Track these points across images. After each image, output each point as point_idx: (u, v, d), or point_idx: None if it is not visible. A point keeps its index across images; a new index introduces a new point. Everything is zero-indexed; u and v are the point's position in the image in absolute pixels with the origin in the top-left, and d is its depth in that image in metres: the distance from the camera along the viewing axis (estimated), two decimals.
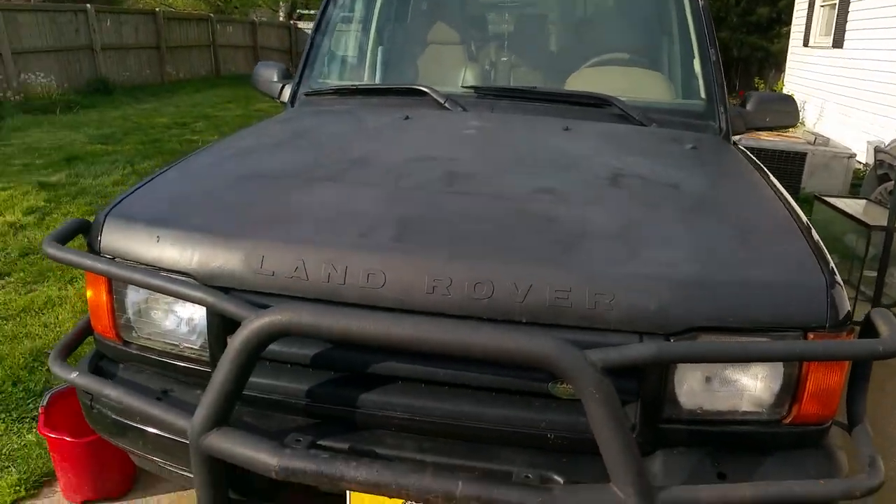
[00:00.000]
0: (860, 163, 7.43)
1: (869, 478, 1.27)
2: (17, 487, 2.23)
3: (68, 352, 1.62)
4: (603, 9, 3.18)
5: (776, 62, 14.29)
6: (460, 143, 2.03)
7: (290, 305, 1.26)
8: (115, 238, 1.51)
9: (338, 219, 1.50)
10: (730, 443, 1.38)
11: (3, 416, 2.58)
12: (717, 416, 1.36)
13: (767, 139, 6.73)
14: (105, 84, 12.39)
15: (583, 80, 2.55)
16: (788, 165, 6.56)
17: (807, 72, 10.85)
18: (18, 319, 3.39)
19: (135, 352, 1.56)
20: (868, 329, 1.34)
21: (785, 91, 10.62)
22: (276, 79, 2.73)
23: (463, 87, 2.56)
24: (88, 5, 12.30)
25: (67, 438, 2.11)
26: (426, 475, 1.21)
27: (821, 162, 6.58)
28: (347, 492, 1.37)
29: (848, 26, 9.11)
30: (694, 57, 2.52)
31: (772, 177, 2.00)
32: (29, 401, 2.69)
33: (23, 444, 2.43)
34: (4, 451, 2.39)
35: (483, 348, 1.16)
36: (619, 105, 2.30)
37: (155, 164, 6.78)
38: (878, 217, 3.91)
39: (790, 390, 1.35)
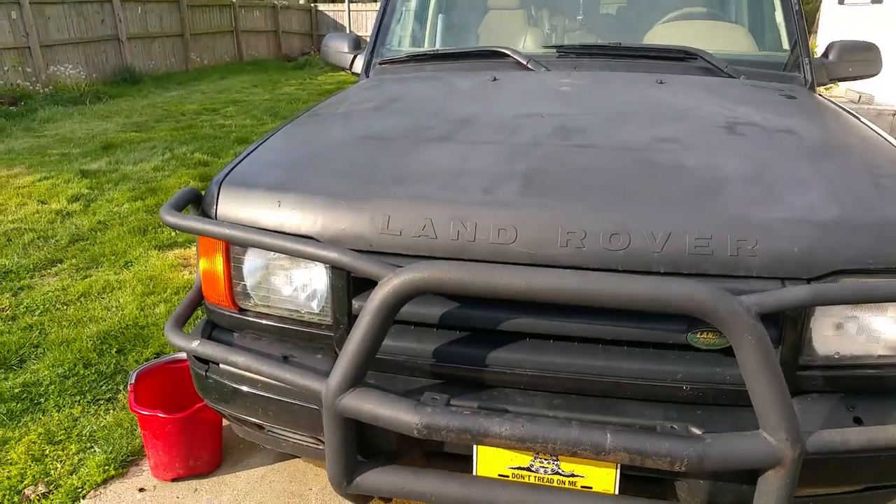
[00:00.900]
0: None
1: None
2: (106, 467, 2.24)
3: (183, 322, 1.62)
4: None
5: (808, 21, 13.91)
6: (561, 99, 1.99)
7: (429, 263, 1.24)
8: (232, 206, 1.51)
9: (460, 176, 1.47)
10: (864, 387, 1.36)
11: (79, 398, 2.61)
12: (851, 360, 1.34)
13: None
14: (131, 73, 12.45)
15: (661, 36, 2.50)
16: None
17: (842, 30, 10.55)
18: (80, 304, 3.42)
19: (251, 319, 1.56)
20: None
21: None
22: (346, 49, 2.75)
23: (545, 46, 2.51)
24: None
25: (161, 415, 2.12)
26: (573, 428, 1.20)
27: (866, 119, 6.46)
28: (475, 449, 1.36)
29: None
30: (775, 8, 2.45)
31: (869, 122, 1.95)
32: (101, 383, 2.71)
33: (101, 425, 2.45)
34: (85, 432, 2.41)
35: (634, 298, 1.14)
36: (707, 58, 2.26)
37: (192, 149, 6.80)
38: None
39: None
